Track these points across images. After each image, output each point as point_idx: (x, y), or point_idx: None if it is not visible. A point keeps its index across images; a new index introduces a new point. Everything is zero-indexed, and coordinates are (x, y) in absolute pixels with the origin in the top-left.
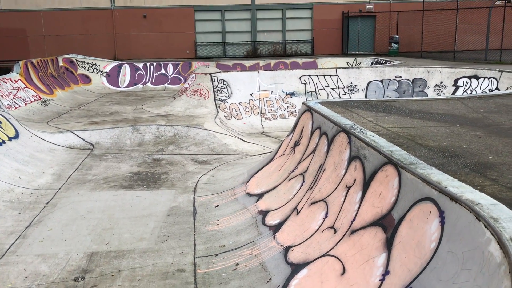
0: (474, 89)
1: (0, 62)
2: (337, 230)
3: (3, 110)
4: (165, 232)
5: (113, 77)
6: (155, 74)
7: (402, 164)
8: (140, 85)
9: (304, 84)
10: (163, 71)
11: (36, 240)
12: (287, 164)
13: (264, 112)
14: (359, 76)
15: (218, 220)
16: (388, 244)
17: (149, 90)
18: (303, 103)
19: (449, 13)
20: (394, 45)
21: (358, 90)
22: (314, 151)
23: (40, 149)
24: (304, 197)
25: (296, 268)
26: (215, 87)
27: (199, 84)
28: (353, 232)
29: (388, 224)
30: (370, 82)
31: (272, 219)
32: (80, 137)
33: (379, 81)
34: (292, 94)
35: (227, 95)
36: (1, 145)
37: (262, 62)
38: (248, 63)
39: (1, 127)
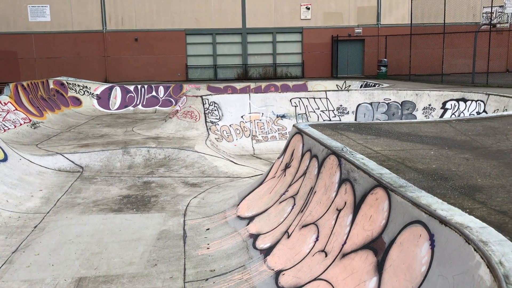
0: (462, 112)
1: None
2: (328, 253)
3: None
4: (155, 256)
5: (104, 99)
6: (146, 96)
7: (392, 187)
8: (131, 108)
9: (295, 106)
10: (154, 93)
11: (22, 265)
12: (278, 186)
13: (255, 134)
14: (349, 99)
15: (208, 244)
16: (379, 268)
17: (140, 113)
18: (293, 125)
19: (436, 37)
20: (383, 68)
21: (348, 113)
22: (304, 173)
23: (29, 172)
24: (295, 220)
25: None
26: (206, 109)
27: (190, 107)
28: (344, 255)
29: (378, 248)
30: (359, 104)
31: (263, 243)
32: (69, 160)
33: (369, 103)
34: (283, 116)
35: (218, 118)
36: None
37: (253, 85)
38: (239, 85)
39: None
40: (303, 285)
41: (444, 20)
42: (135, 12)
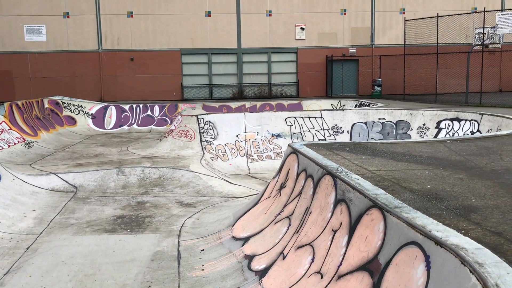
0: (456, 131)
1: None
2: (323, 275)
3: None
4: (149, 277)
5: (98, 118)
6: (141, 115)
7: (387, 208)
8: (126, 127)
9: (290, 125)
10: (149, 112)
11: (14, 287)
12: (273, 206)
13: (250, 154)
14: (344, 118)
15: (203, 265)
16: None
17: (135, 132)
18: (288, 145)
19: (429, 57)
20: (377, 88)
21: (343, 132)
22: (300, 193)
23: (22, 192)
24: (290, 241)
25: None
26: (201, 128)
27: (185, 126)
28: (340, 277)
29: (374, 269)
30: (354, 124)
31: (258, 264)
32: (63, 180)
33: (363, 123)
34: (278, 135)
35: (213, 137)
36: None
37: (248, 104)
38: (234, 104)
39: None
40: None
41: (437, 41)
42: (131, 32)
